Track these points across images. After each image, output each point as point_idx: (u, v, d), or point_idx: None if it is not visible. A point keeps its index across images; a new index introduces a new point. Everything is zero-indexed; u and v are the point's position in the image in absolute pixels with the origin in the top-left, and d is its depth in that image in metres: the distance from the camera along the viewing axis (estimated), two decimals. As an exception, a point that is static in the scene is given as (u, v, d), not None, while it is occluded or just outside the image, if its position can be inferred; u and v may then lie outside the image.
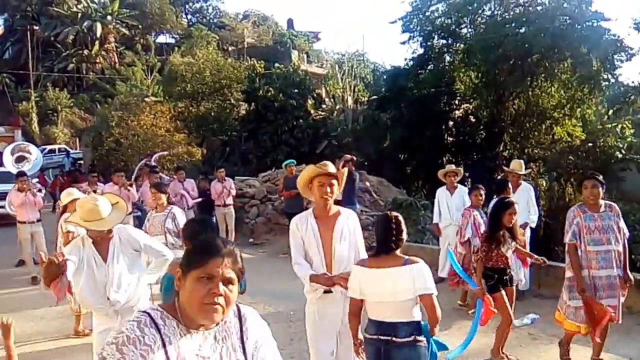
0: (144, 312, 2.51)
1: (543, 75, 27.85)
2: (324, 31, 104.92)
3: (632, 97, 28.34)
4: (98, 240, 5.46)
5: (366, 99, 35.63)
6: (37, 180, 23.67)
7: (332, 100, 36.75)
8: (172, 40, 59.16)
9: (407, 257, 4.72)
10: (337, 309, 5.28)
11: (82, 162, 37.98)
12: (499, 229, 7.00)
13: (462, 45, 30.66)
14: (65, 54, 53.42)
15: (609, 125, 27.81)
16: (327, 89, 38.69)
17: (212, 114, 31.40)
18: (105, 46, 55.66)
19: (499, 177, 20.99)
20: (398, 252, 4.77)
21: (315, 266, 5.24)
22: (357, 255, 5.32)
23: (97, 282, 5.38)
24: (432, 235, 14.93)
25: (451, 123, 31.48)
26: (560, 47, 26.12)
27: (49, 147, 41.26)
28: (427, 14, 31.19)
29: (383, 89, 32.99)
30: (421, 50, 31.67)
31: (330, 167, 5.35)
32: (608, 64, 26.75)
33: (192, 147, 28.56)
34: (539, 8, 28.34)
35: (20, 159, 20.84)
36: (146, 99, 33.22)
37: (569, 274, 6.97)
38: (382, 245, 4.80)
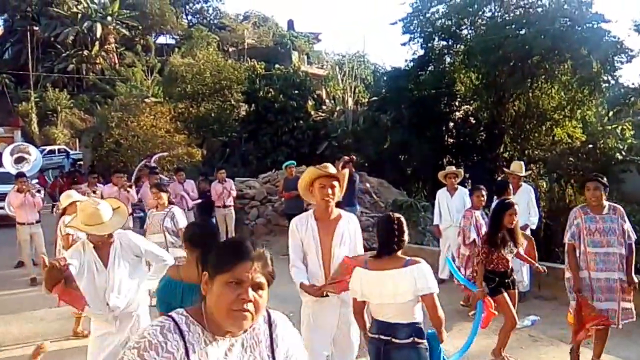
0: (168, 316, 2.42)
1: (543, 76, 27.86)
2: (324, 32, 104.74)
3: (632, 99, 28.37)
4: (99, 245, 5.42)
5: (366, 100, 35.60)
6: (36, 181, 23.65)
7: (332, 101, 36.72)
8: (173, 41, 59.15)
9: (408, 258, 4.72)
10: (333, 314, 5.25)
11: (81, 163, 37.95)
12: (500, 230, 6.98)
13: (462, 47, 30.68)
14: (65, 55, 53.37)
15: (609, 127, 27.82)
16: (328, 90, 38.66)
17: (212, 115, 31.39)
18: (105, 47, 55.61)
19: (499, 178, 20.99)
20: (400, 253, 4.76)
21: (313, 269, 5.20)
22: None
23: (97, 287, 5.35)
24: (433, 236, 14.92)
25: (451, 124, 31.51)
26: (561, 49, 26.14)
27: (48, 148, 41.26)
28: (428, 15, 31.22)
29: (383, 90, 32.98)
30: (421, 52, 31.71)
31: (331, 169, 5.31)
32: (608, 66, 26.76)
33: (192, 148, 28.56)
34: (539, 10, 28.36)
35: (19, 160, 20.83)
36: (146, 100, 33.22)
37: (567, 274, 6.97)
38: (384, 246, 4.79)
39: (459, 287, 9.30)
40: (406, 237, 4.81)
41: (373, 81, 39.06)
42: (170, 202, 9.54)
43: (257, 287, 2.34)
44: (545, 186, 27.22)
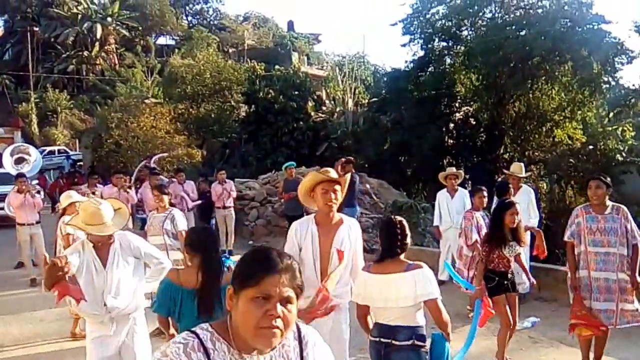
0: (192, 332, 2.28)
1: (543, 77, 27.87)
2: (324, 33, 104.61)
3: (633, 100, 28.36)
4: (98, 246, 5.39)
5: (366, 101, 35.63)
6: (37, 181, 23.64)
7: (332, 102, 36.75)
8: (172, 42, 59.13)
9: (410, 262, 4.71)
10: (326, 322, 5.14)
11: (81, 163, 37.93)
12: (501, 229, 6.97)
13: (462, 48, 30.69)
14: (65, 56, 53.37)
15: (610, 128, 27.81)
16: (328, 91, 38.70)
17: (212, 115, 31.39)
18: (105, 48, 55.59)
19: (499, 179, 20.98)
20: (402, 256, 4.76)
21: (309, 273, 5.08)
22: (355, 267, 5.26)
23: (95, 287, 5.31)
24: (433, 237, 14.93)
25: (451, 125, 31.52)
26: (561, 50, 26.15)
27: (48, 149, 41.25)
28: (428, 16, 31.23)
29: (383, 91, 33.01)
30: (421, 53, 31.73)
31: (333, 173, 5.22)
32: (608, 67, 26.78)
33: (192, 149, 28.55)
34: (539, 11, 28.39)
35: (19, 161, 20.80)
36: (146, 101, 33.20)
37: (570, 274, 6.95)
38: (387, 250, 4.79)
39: (459, 289, 9.29)
40: (409, 241, 4.82)
41: (373, 82, 39.07)
42: (170, 204, 9.54)
43: (286, 301, 2.19)
44: (545, 187, 27.25)
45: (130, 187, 15.72)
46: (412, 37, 31.82)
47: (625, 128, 27.79)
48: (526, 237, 7.45)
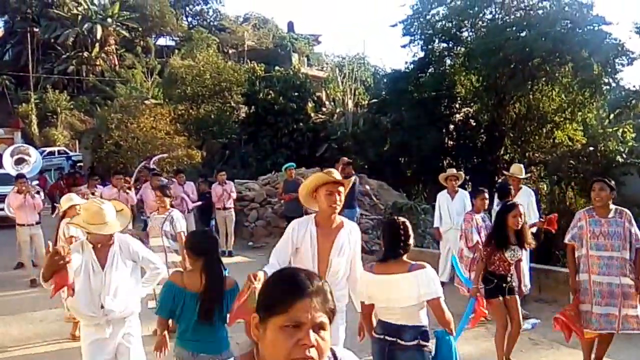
0: None
1: (544, 79, 27.85)
2: (324, 34, 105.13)
3: (633, 101, 28.32)
4: (98, 247, 5.38)
5: (366, 102, 35.63)
6: (37, 182, 23.63)
7: (332, 103, 36.77)
8: (172, 43, 59.07)
9: (413, 262, 4.73)
10: None
11: (81, 164, 37.93)
12: (504, 231, 6.95)
13: (462, 49, 30.68)
14: (65, 56, 53.36)
15: (610, 130, 27.79)
16: (328, 92, 38.71)
17: (212, 116, 31.38)
18: (105, 48, 55.56)
19: (499, 180, 20.96)
20: (405, 257, 4.77)
21: None
22: (353, 271, 5.24)
23: (92, 288, 5.30)
24: (433, 239, 14.92)
25: (452, 127, 31.52)
26: (561, 51, 26.13)
27: (48, 150, 41.23)
28: (428, 17, 31.22)
29: (383, 93, 33.01)
30: (422, 54, 31.71)
31: (338, 175, 5.15)
32: (609, 68, 26.75)
33: (192, 149, 28.53)
34: (540, 12, 28.39)
35: (19, 161, 20.78)
36: (146, 102, 33.17)
37: (570, 276, 6.90)
38: (390, 251, 4.80)
39: (459, 289, 9.29)
40: (412, 242, 4.84)
41: (373, 83, 39.07)
42: (170, 205, 9.54)
43: (319, 327, 1.99)
44: (545, 189, 27.24)
45: (130, 188, 15.72)
46: (412, 38, 31.82)
47: (625, 129, 27.77)
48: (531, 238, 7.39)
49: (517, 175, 10.54)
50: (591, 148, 27.07)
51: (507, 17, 29.44)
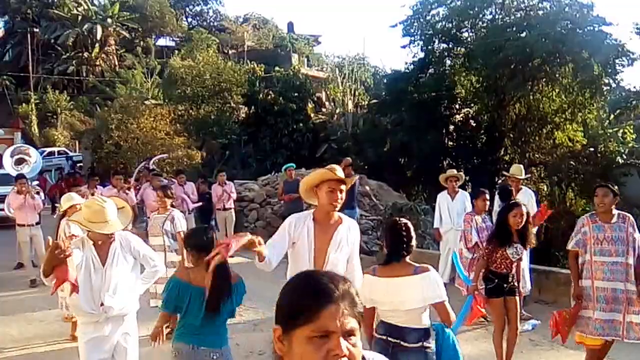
0: None
1: (544, 79, 27.87)
2: (324, 35, 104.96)
3: (634, 102, 28.36)
4: (98, 244, 5.38)
5: (366, 102, 35.69)
6: (37, 182, 23.62)
7: (332, 104, 36.80)
8: (172, 43, 59.04)
9: (417, 265, 4.73)
10: None
11: (81, 164, 37.94)
12: (505, 230, 6.93)
13: (462, 50, 30.71)
14: (65, 57, 53.33)
15: (610, 130, 27.83)
16: (327, 92, 38.72)
17: (212, 117, 31.42)
18: (106, 49, 55.56)
19: (499, 181, 20.97)
20: (408, 259, 4.76)
21: (303, 270, 4.95)
22: (351, 269, 5.16)
23: (92, 285, 5.29)
24: (433, 239, 14.90)
25: (452, 127, 31.53)
26: (562, 52, 26.15)
27: (48, 150, 41.20)
28: (428, 18, 31.25)
29: (383, 93, 33.02)
30: (422, 54, 31.74)
31: (340, 172, 5.12)
32: (609, 69, 26.78)
33: (192, 150, 28.55)
34: (540, 12, 28.41)
35: (20, 161, 20.77)
36: (146, 102, 33.20)
37: (573, 282, 6.83)
38: (393, 253, 4.79)
39: (462, 291, 9.28)
40: (414, 243, 4.82)
41: (373, 84, 39.11)
42: (171, 206, 9.53)
43: (349, 334, 1.83)
44: (545, 190, 27.23)
45: (129, 189, 15.71)
46: (412, 38, 31.85)
47: (625, 130, 27.82)
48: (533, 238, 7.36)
49: (517, 176, 10.53)
50: (591, 149, 27.10)
51: (507, 18, 29.48)
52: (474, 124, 31.15)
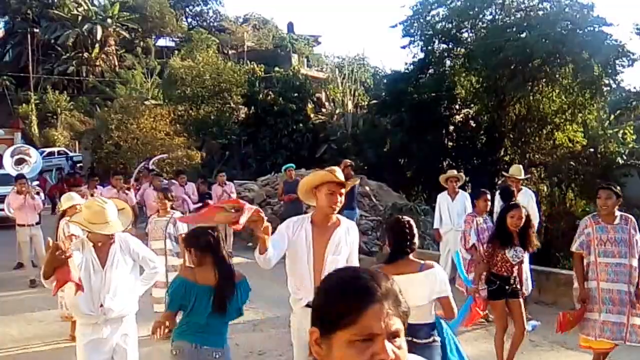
0: None
1: (544, 80, 27.87)
2: (324, 35, 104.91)
3: (634, 103, 28.35)
4: (98, 245, 5.36)
5: (366, 103, 35.70)
6: (37, 183, 23.62)
7: (332, 104, 36.81)
8: (172, 44, 59.02)
9: (422, 262, 4.77)
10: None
11: (81, 165, 37.96)
12: (504, 231, 6.92)
13: (462, 50, 30.72)
14: (65, 57, 53.34)
15: (611, 131, 27.84)
16: (327, 93, 38.73)
17: (212, 117, 31.43)
18: (106, 49, 55.58)
19: (499, 182, 20.96)
20: (411, 256, 4.80)
21: (302, 272, 4.95)
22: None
23: (92, 287, 5.28)
24: (433, 240, 14.89)
25: (451, 128, 31.52)
26: (562, 52, 26.16)
27: (48, 150, 41.21)
28: (428, 18, 31.24)
29: (383, 94, 33.01)
30: (422, 55, 31.73)
31: (340, 174, 5.10)
32: (609, 69, 26.78)
33: (192, 150, 28.56)
34: (540, 13, 28.41)
35: (20, 162, 20.76)
36: (146, 102, 33.21)
37: (576, 284, 6.79)
38: (398, 251, 4.80)
39: (463, 292, 9.28)
40: (417, 240, 4.84)
41: (373, 84, 39.13)
42: (171, 207, 9.53)
43: (394, 336, 1.71)
44: (545, 190, 27.22)
45: (129, 189, 15.71)
46: (412, 39, 31.85)
47: (626, 131, 27.83)
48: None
49: (516, 176, 10.52)
50: (591, 149, 27.11)
51: (507, 18, 29.47)
52: (474, 125, 31.14)
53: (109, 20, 54.63)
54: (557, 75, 27.51)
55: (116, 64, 54.55)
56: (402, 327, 1.72)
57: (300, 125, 31.97)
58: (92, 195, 13.13)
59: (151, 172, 18.65)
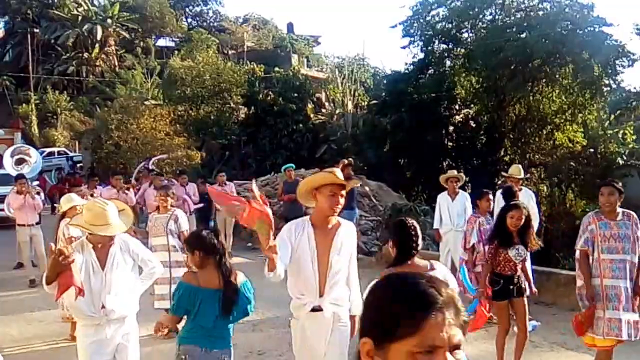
0: None
1: (544, 80, 27.87)
2: (324, 35, 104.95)
3: (634, 103, 28.34)
4: (97, 247, 5.36)
5: (366, 103, 35.70)
6: (37, 183, 23.62)
7: (331, 104, 36.82)
8: (172, 44, 59.02)
9: (428, 261, 4.81)
10: (325, 329, 4.96)
11: (81, 165, 37.96)
12: (503, 230, 6.91)
13: (462, 50, 30.72)
14: (65, 57, 53.35)
15: (611, 131, 27.83)
16: (327, 93, 38.74)
17: (212, 117, 31.43)
18: (105, 49, 55.59)
19: (499, 182, 20.95)
20: (417, 257, 4.79)
21: (307, 277, 4.90)
22: (350, 273, 5.14)
23: (92, 288, 5.27)
24: (432, 240, 14.89)
25: (451, 128, 31.50)
26: (562, 52, 26.15)
27: (48, 150, 41.21)
28: (428, 18, 31.24)
29: (383, 94, 33.00)
30: (421, 55, 31.73)
31: (340, 175, 5.08)
32: (610, 70, 26.78)
33: (192, 150, 28.54)
34: (540, 13, 28.41)
35: (20, 162, 20.77)
36: (146, 102, 33.20)
37: (579, 282, 6.70)
38: (408, 252, 4.78)
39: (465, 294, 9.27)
40: (420, 242, 4.84)
41: (373, 84, 39.15)
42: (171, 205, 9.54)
43: (455, 347, 1.59)
44: (545, 191, 27.20)
45: (128, 189, 15.72)
46: (412, 39, 31.85)
47: (626, 131, 27.81)
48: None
49: (516, 175, 10.51)
50: (591, 150, 27.09)
51: (507, 19, 29.47)
52: (474, 125, 31.13)
53: (109, 21, 54.65)
54: (557, 76, 27.51)
55: (116, 64, 54.58)
56: (462, 338, 1.61)
57: (300, 125, 31.98)
58: (91, 195, 13.14)
59: (151, 172, 18.63)
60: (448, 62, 31.99)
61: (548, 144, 28.25)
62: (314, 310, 4.92)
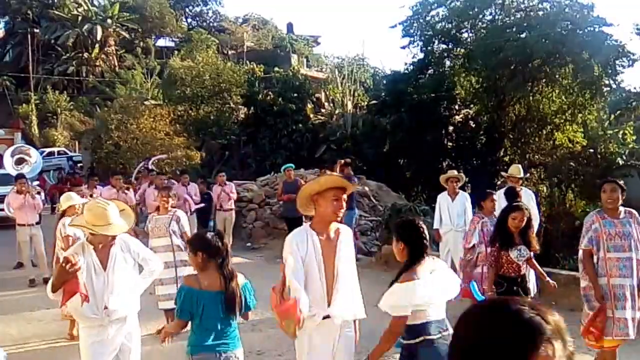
0: None
1: (544, 80, 27.88)
2: (324, 35, 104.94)
3: (634, 103, 28.35)
4: (98, 248, 5.36)
5: (366, 103, 35.70)
6: (37, 182, 23.63)
7: (331, 104, 36.82)
8: (172, 44, 59.03)
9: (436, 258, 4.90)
10: (333, 336, 4.85)
11: (81, 164, 37.96)
12: (504, 231, 6.89)
13: (462, 50, 30.72)
14: (65, 57, 53.34)
15: (611, 131, 27.83)
16: (327, 93, 38.74)
17: (212, 117, 31.42)
18: (105, 49, 55.58)
19: (498, 182, 20.94)
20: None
21: (315, 288, 4.71)
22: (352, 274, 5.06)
23: (94, 289, 5.28)
24: (432, 240, 14.88)
25: (451, 128, 31.52)
26: (562, 53, 26.15)
27: (47, 150, 41.21)
28: (428, 18, 31.26)
29: (383, 94, 33.04)
30: (421, 55, 31.75)
31: (344, 179, 5.04)
32: (610, 70, 26.79)
33: (191, 150, 28.53)
34: (540, 13, 28.41)
35: (20, 161, 20.78)
36: (146, 102, 33.21)
37: (583, 283, 6.62)
38: (423, 251, 4.76)
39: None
40: (428, 242, 4.88)
41: (372, 84, 39.17)
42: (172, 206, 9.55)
43: None
44: (545, 191, 27.19)
45: (128, 188, 15.73)
46: (412, 39, 31.87)
47: (626, 131, 27.81)
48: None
49: (516, 175, 10.49)
50: (591, 150, 27.09)
51: (507, 19, 29.47)
52: (474, 125, 31.15)
53: (109, 21, 54.65)
54: (557, 76, 27.52)
55: (116, 64, 54.57)
56: None
57: (300, 125, 31.98)
58: (91, 195, 13.15)
59: (151, 172, 18.63)
60: (448, 62, 32.02)
61: (548, 144, 28.26)
62: (324, 318, 4.78)
